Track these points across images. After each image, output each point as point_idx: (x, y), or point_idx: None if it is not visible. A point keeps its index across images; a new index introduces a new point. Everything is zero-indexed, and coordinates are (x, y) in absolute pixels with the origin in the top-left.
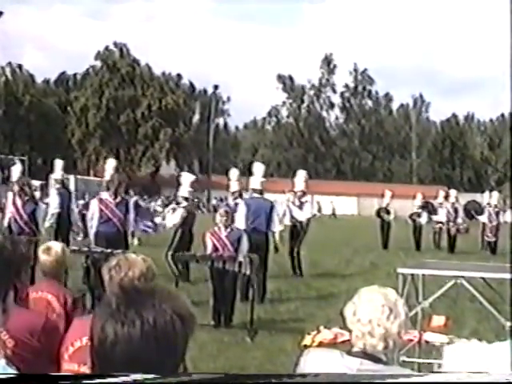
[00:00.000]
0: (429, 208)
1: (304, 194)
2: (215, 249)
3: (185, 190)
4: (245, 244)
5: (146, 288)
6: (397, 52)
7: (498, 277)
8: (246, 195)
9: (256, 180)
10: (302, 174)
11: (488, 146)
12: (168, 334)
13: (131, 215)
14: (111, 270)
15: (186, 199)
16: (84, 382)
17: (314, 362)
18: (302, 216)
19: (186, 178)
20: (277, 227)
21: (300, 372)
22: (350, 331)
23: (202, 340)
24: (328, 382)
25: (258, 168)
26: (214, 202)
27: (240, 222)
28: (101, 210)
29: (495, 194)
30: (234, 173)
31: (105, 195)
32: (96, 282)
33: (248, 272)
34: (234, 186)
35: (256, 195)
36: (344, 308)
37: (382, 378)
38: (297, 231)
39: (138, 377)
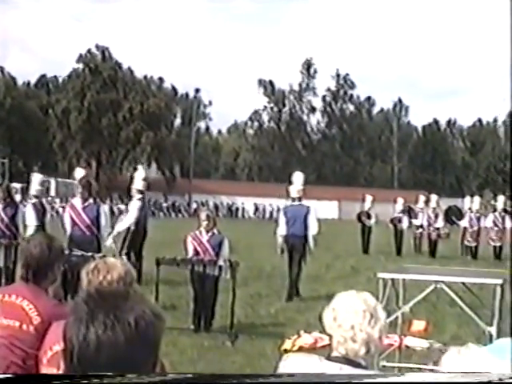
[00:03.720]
0: (410, 213)
1: (300, 199)
2: (196, 253)
3: (139, 184)
4: (226, 248)
5: (121, 290)
6: (378, 57)
7: (479, 282)
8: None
9: (294, 188)
10: (299, 178)
11: (469, 151)
12: (147, 335)
13: (102, 219)
14: (89, 273)
15: (141, 192)
16: (84, 382)
17: (293, 366)
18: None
19: (140, 173)
20: (312, 230)
21: None
22: (329, 336)
23: (182, 344)
24: (305, 383)
25: (298, 177)
26: (194, 205)
27: (281, 228)
28: (71, 215)
29: (476, 198)
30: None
31: (76, 200)
32: (75, 286)
33: (228, 276)
34: (294, 191)
35: (295, 203)
36: (323, 313)
37: (359, 378)
38: None
39: (138, 376)
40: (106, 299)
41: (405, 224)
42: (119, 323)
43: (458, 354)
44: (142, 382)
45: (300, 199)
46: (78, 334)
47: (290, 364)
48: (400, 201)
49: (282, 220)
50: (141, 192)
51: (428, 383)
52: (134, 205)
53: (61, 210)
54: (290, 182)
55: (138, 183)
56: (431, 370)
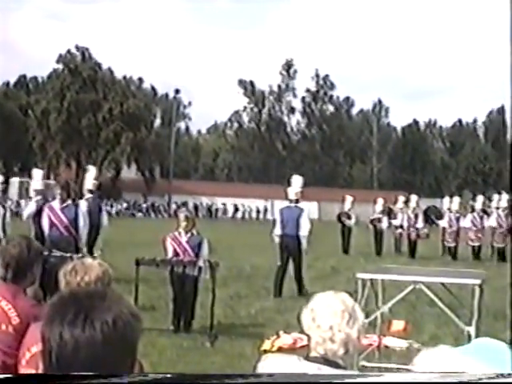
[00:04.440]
0: (389, 213)
1: (297, 201)
2: (175, 253)
3: (89, 184)
4: (205, 249)
5: (99, 290)
6: (358, 58)
7: (457, 282)
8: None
9: (292, 191)
10: (297, 181)
11: (449, 151)
12: (124, 335)
13: (81, 220)
14: (67, 274)
15: (91, 192)
16: (84, 382)
17: (271, 367)
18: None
19: (91, 173)
20: (304, 231)
21: None
22: (308, 337)
23: (161, 345)
24: (283, 383)
25: (296, 180)
26: (174, 206)
27: (277, 228)
28: (49, 216)
29: (455, 199)
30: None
31: (55, 201)
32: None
33: (207, 277)
34: (291, 193)
35: (291, 204)
36: (301, 314)
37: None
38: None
39: (138, 376)
40: (84, 299)
41: (384, 224)
42: (97, 323)
43: (429, 355)
44: (121, 382)
45: (297, 201)
46: (55, 335)
47: (269, 364)
48: (380, 201)
49: (278, 220)
50: (91, 192)
51: (406, 383)
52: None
53: None
54: (289, 184)
55: (89, 183)
56: (409, 370)
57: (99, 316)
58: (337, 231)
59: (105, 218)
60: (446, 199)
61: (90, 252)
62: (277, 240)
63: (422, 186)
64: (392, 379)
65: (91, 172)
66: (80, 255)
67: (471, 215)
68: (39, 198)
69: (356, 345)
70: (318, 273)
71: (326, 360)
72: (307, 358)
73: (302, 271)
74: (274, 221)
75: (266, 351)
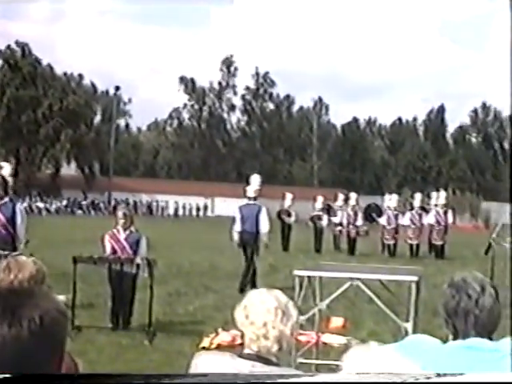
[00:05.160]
0: (329, 211)
1: (256, 198)
2: (114, 251)
3: None
4: (143, 246)
5: (25, 288)
6: (299, 56)
7: (394, 279)
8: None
9: (251, 189)
10: (256, 179)
11: (388, 149)
12: (52, 332)
13: (18, 218)
14: (0, 272)
15: None
16: (84, 382)
17: (205, 365)
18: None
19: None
20: (264, 228)
21: None
22: (242, 334)
23: (100, 343)
24: (218, 383)
25: (255, 179)
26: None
27: (236, 225)
28: None
29: (393, 196)
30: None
31: None
32: None
33: (146, 274)
34: (250, 191)
35: (250, 202)
36: (234, 311)
37: (270, 378)
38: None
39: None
40: (10, 297)
41: (324, 222)
42: (23, 320)
43: (359, 353)
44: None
45: (255, 199)
46: None
47: (203, 362)
48: (319, 199)
49: (238, 217)
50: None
51: (337, 383)
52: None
53: None
54: (248, 183)
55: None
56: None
57: (26, 313)
58: (276, 229)
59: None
60: (387, 197)
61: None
62: (236, 236)
63: (362, 184)
64: (324, 379)
65: (6, 169)
66: (17, 253)
67: (410, 213)
68: None
69: (290, 341)
70: (257, 270)
71: (259, 357)
72: (241, 355)
73: (251, 268)
74: (233, 218)
75: (204, 348)
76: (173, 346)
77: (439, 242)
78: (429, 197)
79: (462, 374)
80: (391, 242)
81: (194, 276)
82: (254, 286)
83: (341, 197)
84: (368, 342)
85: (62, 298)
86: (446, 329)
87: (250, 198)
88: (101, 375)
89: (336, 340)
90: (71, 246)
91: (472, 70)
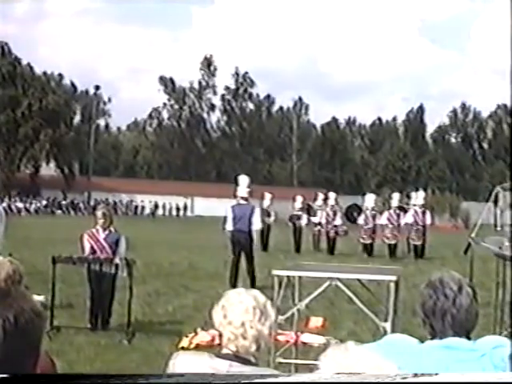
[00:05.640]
0: (308, 210)
1: (247, 199)
2: (93, 251)
3: None
4: (122, 246)
5: (2, 288)
6: (279, 55)
7: (373, 278)
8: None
9: (242, 189)
10: (244, 180)
11: (368, 149)
12: (26, 332)
13: None
14: None
15: None
16: (83, 381)
17: (183, 365)
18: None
19: None
20: (255, 226)
21: None
22: (220, 334)
23: (78, 343)
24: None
25: (243, 179)
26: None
27: (228, 224)
28: None
29: (371, 196)
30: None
31: None
32: None
33: (125, 274)
34: (242, 191)
35: (242, 202)
36: (212, 311)
37: (248, 378)
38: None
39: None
40: None
41: (303, 222)
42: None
43: (336, 352)
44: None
45: (247, 199)
46: None
47: (180, 362)
48: (299, 199)
49: (230, 217)
50: None
51: (311, 383)
52: None
53: None
54: (237, 184)
55: None
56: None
57: (1, 313)
58: None
59: None
60: (367, 197)
61: None
62: (228, 235)
63: (342, 184)
64: (301, 379)
65: None
66: None
67: (387, 213)
68: None
69: (268, 341)
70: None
71: (237, 357)
72: (219, 355)
73: (254, 265)
74: (225, 217)
75: (184, 348)
76: (152, 346)
77: (417, 242)
78: (408, 197)
79: (437, 374)
80: (368, 242)
81: (174, 276)
82: (253, 284)
83: (320, 196)
84: (346, 342)
85: (40, 298)
86: (424, 329)
87: (242, 198)
88: (76, 376)
89: (315, 340)
90: (51, 246)
91: (451, 70)
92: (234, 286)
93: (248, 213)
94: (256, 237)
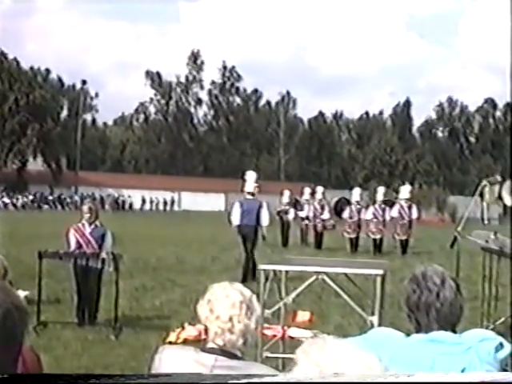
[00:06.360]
0: (296, 205)
1: (253, 195)
2: (79, 245)
3: None
4: (109, 241)
5: None
6: (266, 49)
7: (359, 272)
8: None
9: (249, 185)
10: (252, 176)
11: (355, 143)
12: (6, 327)
13: None
14: None
15: None
16: (83, 382)
17: (168, 359)
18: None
19: None
20: (265, 222)
21: (155, 370)
22: (206, 328)
23: (65, 338)
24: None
25: (251, 175)
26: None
27: (235, 218)
28: None
29: (356, 190)
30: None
31: None
32: None
33: (111, 269)
34: (250, 187)
35: (249, 197)
36: (197, 305)
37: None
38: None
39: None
40: None
41: (291, 216)
42: None
43: (313, 346)
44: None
45: (254, 194)
46: None
47: (166, 357)
48: (286, 193)
49: (237, 211)
50: None
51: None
52: None
53: None
54: (244, 180)
55: None
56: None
57: None
58: None
59: None
60: (353, 191)
61: None
62: (235, 229)
63: (330, 178)
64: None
65: None
66: None
67: (373, 207)
68: None
69: (254, 335)
70: (224, 265)
71: (223, 351)
72: (204, 349)
73: (254, 258)
74: (230, 212)
75: (171, 343)
76: (139, 340)
77: (403, 237)
78: (396, 191)
79: (415, 374)
80: (353, 236)
81: (161, 270)
82: (253, 276)
83: (307, 191)
84: (323, 335)
85: (24, 293)
86: (409, 323)
87: (249, 194)
88: (58, 376)
89: (302, 334)
90: (38, 241)
91: (438, 65)
92: (244, 280)
93: (256, 208)
94: (265, 231)
